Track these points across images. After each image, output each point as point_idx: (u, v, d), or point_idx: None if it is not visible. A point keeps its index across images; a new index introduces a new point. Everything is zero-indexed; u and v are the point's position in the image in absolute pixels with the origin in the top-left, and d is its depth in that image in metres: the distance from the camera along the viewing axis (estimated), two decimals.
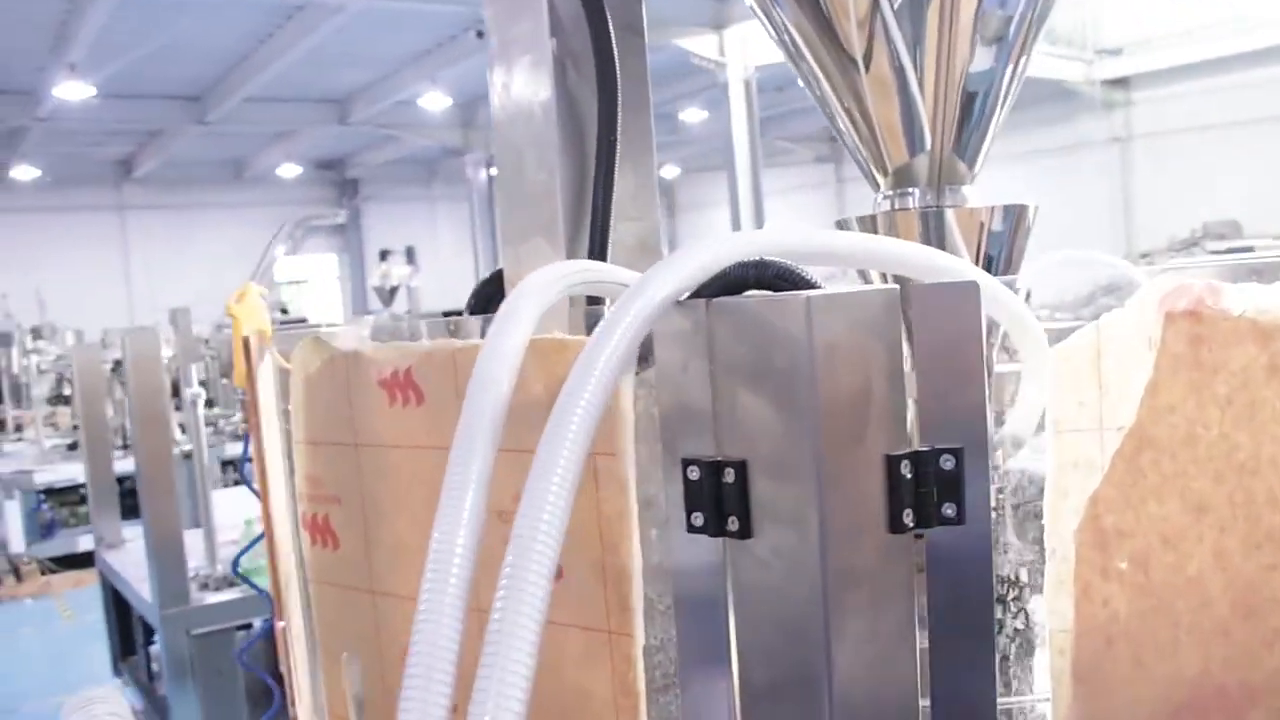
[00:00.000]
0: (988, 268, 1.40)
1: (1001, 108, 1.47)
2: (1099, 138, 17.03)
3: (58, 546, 8.98)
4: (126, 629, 4.83)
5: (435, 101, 16.25)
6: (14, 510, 9.06)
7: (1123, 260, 3.26)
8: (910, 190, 1.44)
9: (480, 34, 12.45)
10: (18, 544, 9.02)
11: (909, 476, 0.87)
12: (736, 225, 15.74)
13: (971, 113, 1.43)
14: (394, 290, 19.48)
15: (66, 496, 9.62)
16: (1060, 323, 1.29)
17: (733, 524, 0.89)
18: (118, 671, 4.92)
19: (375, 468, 1.28)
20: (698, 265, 0.92)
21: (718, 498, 0.90)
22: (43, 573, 8.93)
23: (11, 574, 8.97)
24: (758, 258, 0.92)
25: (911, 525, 0.88)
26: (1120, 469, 0.85)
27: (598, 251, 1.33)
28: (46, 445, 10.71)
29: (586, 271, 1.06)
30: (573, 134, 1.37)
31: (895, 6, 1.38)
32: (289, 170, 22.45)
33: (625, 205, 1.41)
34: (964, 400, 0.90)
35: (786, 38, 1.50)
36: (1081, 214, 16.45)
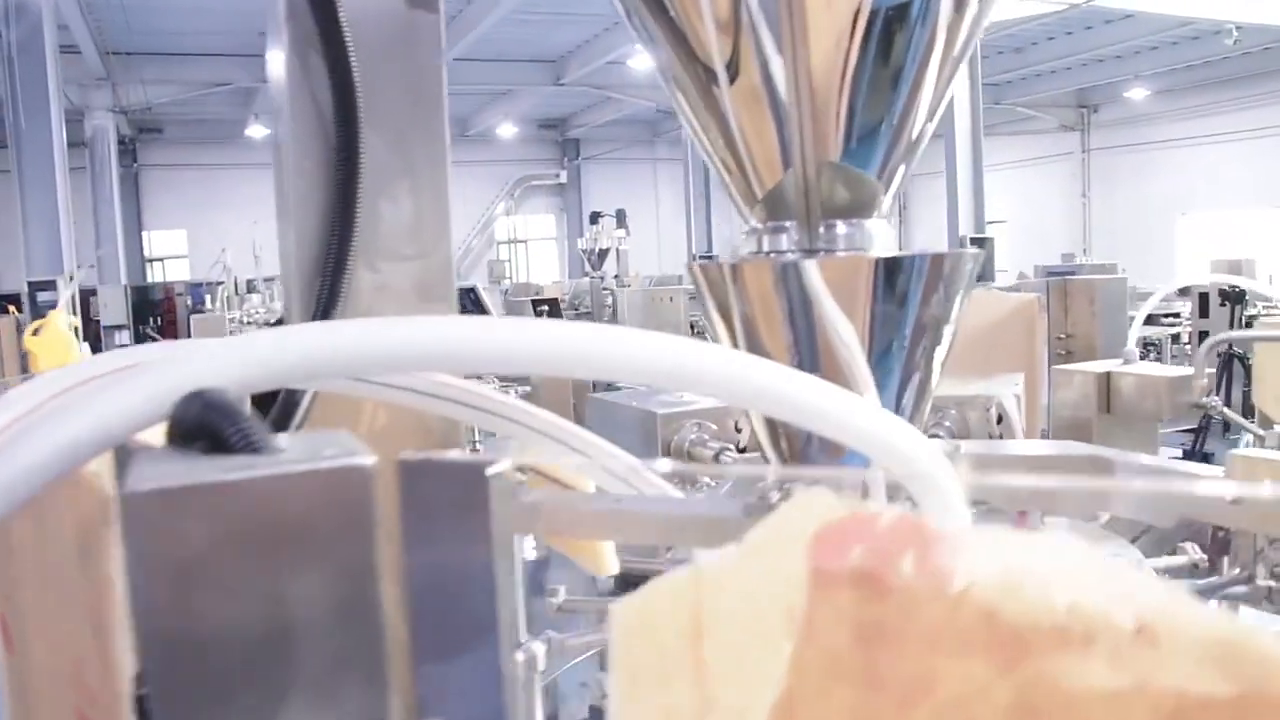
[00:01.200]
0: (885, 339, 0.99)
1: (941, 71, 1.04)
2: None
3: None
4: None
5: (644, 61, 16.07)
6: None
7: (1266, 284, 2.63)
8: (786, 225, 1.04)
9: None
10: None
11: None
12: (953, 197, 14.87)
13: (877, 82, 1.00)
14: (603, 253, 19.37)
15: None
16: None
17: None
18: None
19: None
20: (146, 393, 0.58)
21: None
22: None
23: None
24: (208, 386, 0.57)
25: None
26: None
27: (323, 306, 0.98)
28: None
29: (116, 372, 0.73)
30: (321, 147, 1.03)
31: None
32: (508, 130, 22.77)
33: (399, 239, 1.06)
34: None
35: (655, 53, 1.13)
36: None
